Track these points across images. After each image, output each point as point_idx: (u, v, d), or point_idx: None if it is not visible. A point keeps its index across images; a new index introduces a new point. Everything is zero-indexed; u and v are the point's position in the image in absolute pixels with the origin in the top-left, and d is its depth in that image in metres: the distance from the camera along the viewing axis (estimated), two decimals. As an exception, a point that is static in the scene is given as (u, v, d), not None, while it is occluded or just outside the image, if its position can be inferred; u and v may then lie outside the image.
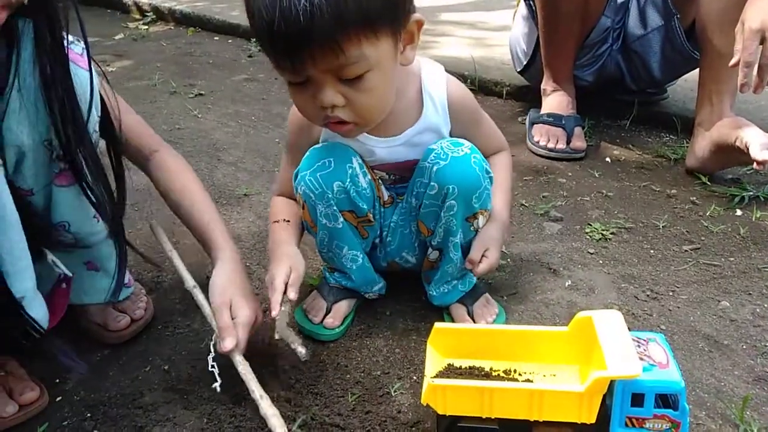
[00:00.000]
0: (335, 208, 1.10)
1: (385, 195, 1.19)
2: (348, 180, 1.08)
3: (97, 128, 1.00)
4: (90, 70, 0.96)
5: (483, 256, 1.17)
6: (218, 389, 0.97)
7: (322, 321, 1.20)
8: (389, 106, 1.04)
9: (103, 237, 1.08)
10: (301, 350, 1.02)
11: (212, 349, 1.00)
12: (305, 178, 1.09)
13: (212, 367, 0.98)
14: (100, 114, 1.00)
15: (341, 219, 1.12)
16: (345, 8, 0.86)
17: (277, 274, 1.05)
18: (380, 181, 1.18)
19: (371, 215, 1.15)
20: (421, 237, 1.20)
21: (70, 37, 0.94)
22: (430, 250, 1.19)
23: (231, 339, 0.98)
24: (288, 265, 1.07)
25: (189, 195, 1.15)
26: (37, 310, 0.93)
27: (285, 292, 1.04)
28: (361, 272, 1.20)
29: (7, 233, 0.87)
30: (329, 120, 0.99)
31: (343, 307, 1.22)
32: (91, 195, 0.98)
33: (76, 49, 0.96)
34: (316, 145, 1.13)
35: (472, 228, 1.15)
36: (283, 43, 0.88)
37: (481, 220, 1.15)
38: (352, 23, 0.87)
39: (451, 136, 1.14)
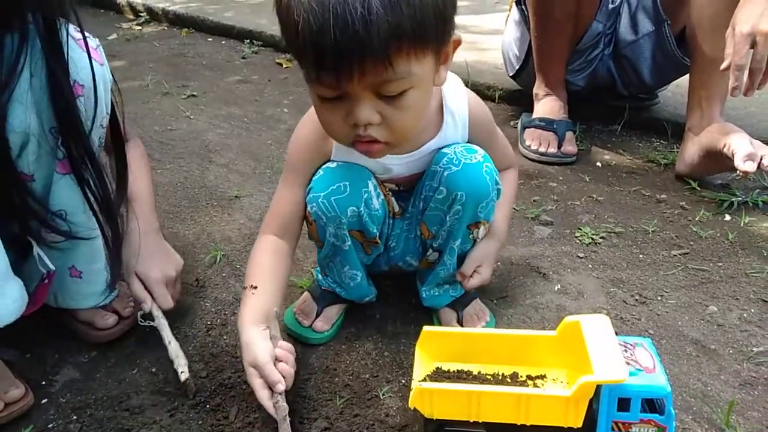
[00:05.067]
0: (345, 231, 1.08)
1: (396, 207, 1.17)
2: (362, 205, 1.05)
3: (105, 123, 1.05)
4: (91, 65, 0.99)
5: (475, 271, 1.18)
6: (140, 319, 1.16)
7: (311, 324, 1.20)
8: (421, 126, 1.01)
9: (95, 235, 1.08)
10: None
11: (138, 317, 1.16)
12: (318, 200, 1.05)
13: (141, 322, 1.16)
14: (109, 111, 1.05)
15: (349, 242, 1.10)
16: (401, 20, 0.80)
17: (262, 397, 0.97)
18: (390, 194, 1.16)
19: (378, 239, 1.14)
20: (422, 238, 1.19)
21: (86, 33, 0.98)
22: (430, 251, 1.19)
23: (146, 303, 1.14)
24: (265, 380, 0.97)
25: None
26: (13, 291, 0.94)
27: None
28: (357, 289, 1.20)
29: None
30: (360, 139, 0.93)
31: (333, 311, 1.22)
32: (84, 185, 1.01)
33: (91, 43, 1.00)
34: (330, 164, 1.08)
35: (471, 236, 1.15)
36: (332, 53, 0.81)
37: (481, 230, 1.14)
38: (406, 36, 0.82)
39: None
